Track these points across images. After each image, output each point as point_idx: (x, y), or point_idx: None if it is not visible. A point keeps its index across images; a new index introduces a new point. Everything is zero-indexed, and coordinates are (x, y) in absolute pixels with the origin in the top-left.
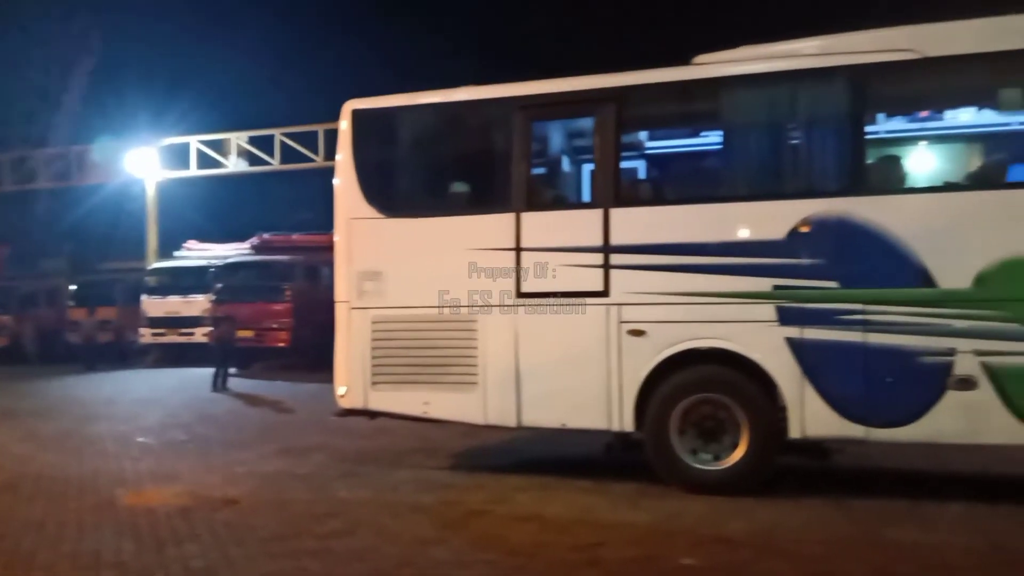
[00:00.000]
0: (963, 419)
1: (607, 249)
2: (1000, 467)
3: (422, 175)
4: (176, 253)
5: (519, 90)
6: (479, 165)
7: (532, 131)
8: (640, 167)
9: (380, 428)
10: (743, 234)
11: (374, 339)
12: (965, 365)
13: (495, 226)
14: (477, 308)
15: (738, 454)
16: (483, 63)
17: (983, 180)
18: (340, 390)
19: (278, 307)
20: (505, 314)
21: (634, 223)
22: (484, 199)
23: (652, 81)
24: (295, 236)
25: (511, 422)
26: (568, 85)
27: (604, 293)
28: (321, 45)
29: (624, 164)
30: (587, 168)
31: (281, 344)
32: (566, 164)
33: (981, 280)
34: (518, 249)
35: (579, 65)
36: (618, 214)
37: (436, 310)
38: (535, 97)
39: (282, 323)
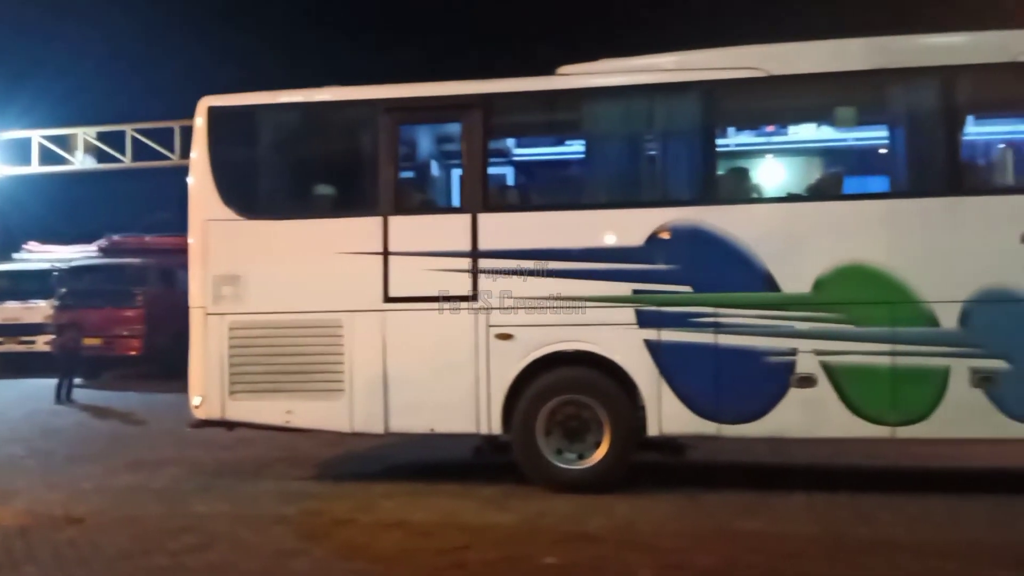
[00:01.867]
0: (805, 415)
1: (475, 254)
2: (837, 459)
3: (283, 176)
4: (15, 255)
5: (386, 92)
6: (344, 167)
7: (399, 134)
8: (508, 173)
9: (241, 439)
10: (605, 240)
11: (232, 346)
12: (806, 364)
13: (362, 229)
14: (343, 313)
15: (600, 453)
16: (355, 62)
17: (822, 192)
18: (195, 400)
19: (129, 313)
20: (372, 319)
21: (502, 228)
22: (350, 202)
23: (516, 89)
24: (148, 238)
25: (378, 429)
26: (436, 90)
27: (472, 297)
28: (179, 38)
29: (492, 170)
30: (456, 173)
31: (132, 352)
32: (434, 168)
33: (819, 285)
34: (386, 253)
35: (438, 71)
36: (486, 219)
37: (299, 315)
38: (402, 100)
39: (133, 330)
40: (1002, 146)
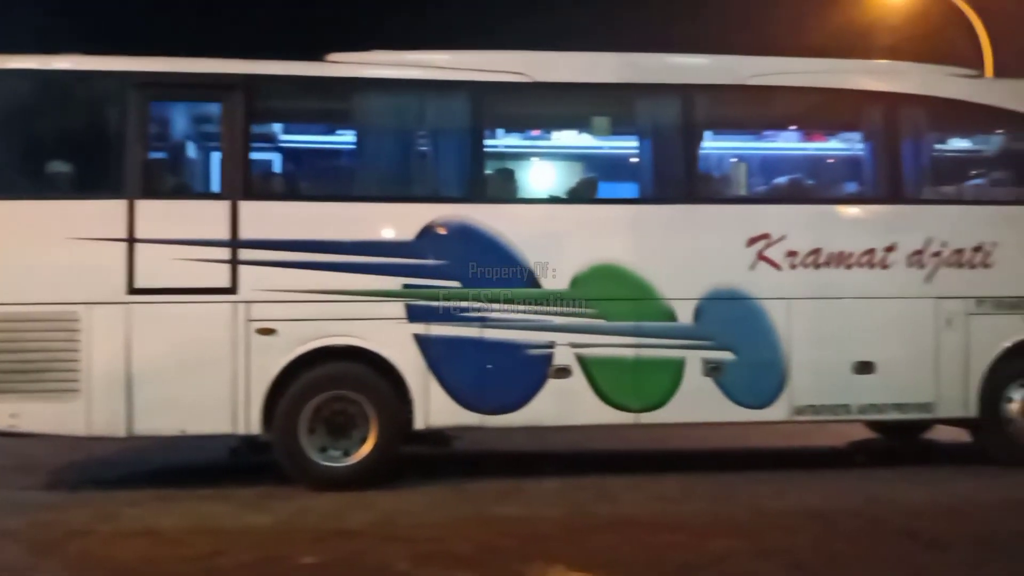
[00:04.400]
0: (560, 404)
1: (235, 244)
2: (588, 444)
3: (12, 150)
4: None
5: (137, 65)
6: (85, 144)
7: (150, 112)
8: (274, 160)
9: None
10: (375, 234)
11: None
12: (562, 356)
13: (103, 213)
14: (80, 306)
15: (366, 448)
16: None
17: (579, 195)
18: None
19: None
20: (114, 312)
21: (266, 217)
22: (91, 182)
23: (283, 73)
24: None
25: (120, 432)
26: (195, 66)
27: (231, 290)
28: None
29: (255, 155)
30: (215, 156)
31: None
32: (191, 150)
33: (576, 282)
34: (132, 240)
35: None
36: (248, 207)
37: (28, 307)
38: (156, 75)
39: None
40: (734, 160)
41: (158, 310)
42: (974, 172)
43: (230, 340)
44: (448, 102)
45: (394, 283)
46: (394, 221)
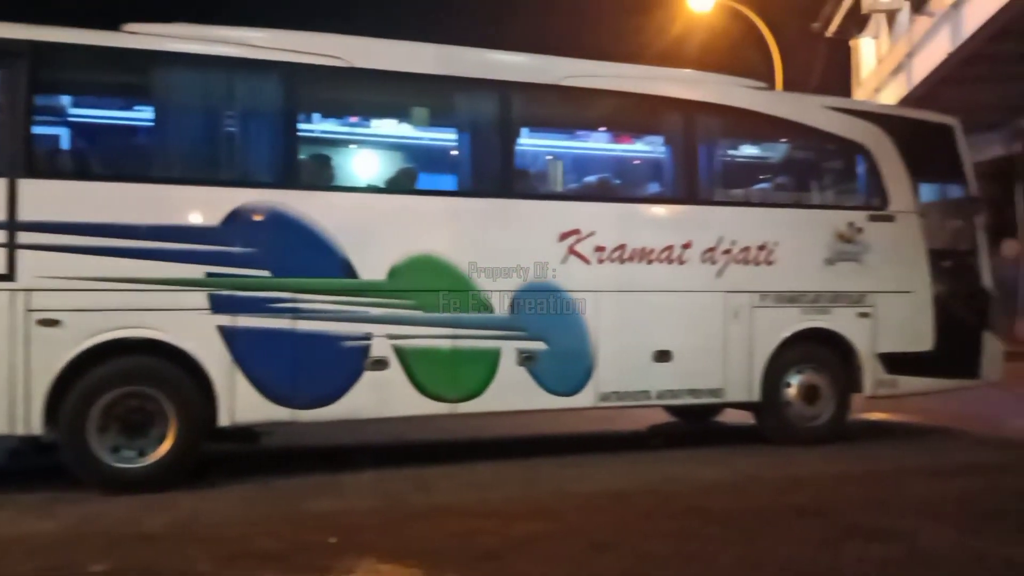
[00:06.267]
0: (377, 396)
1: (12, 225)
2: (407, 435)
3: None
4: None
5: None
6: None
7: None
8: (61, 135)
9: None
10: (176, 218)
11: None
12: (379, 348)
13: None
14: None
15: (165, 447)
16: None
17: (398, 185)
18: None
19: None
20: None
21: (51, 198)
22: None
23: (71, 41)
24: None
25: None
26: None
27: (8, 277)
28: None
29: (38, 130)
30: None
31: None
32: None
33: (393, 273)
34: None
35: None
36: (29, 186)
37: None
38: None
39: None
40: (549, 157)
41: None
42: (761, 177)
43: (6, 332)
44: (259, 82)
45: (196, 271)
46: (197, 205)
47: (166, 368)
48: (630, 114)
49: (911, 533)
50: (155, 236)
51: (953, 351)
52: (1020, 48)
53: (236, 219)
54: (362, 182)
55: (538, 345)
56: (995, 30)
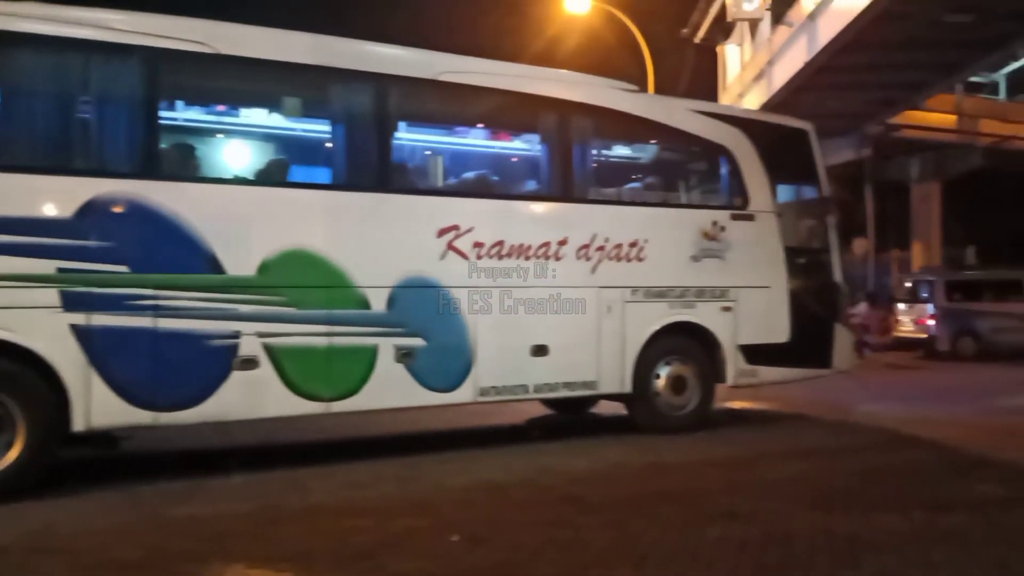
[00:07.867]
0: (247, 396)
1: None
2: (280, 436)
3: None
4: None
5: None
6: None
7: None
8: None
9: None
10: (21, 210)
11: None
12: (249, 346)
13: None
14: None
15: (13, 454)
16: None
17: (269, 177)
18: None
19: None
20: None
21: None
22: None
23: None
24: None
25: None
26: None
27: None
28: None
29: None
30: None
31: None
32: None
33: (264, 268)
34: None
35: None
36: None
37: None
38: None
39: None
40: (427, 152)
41: None
42: (633, 177)
43: None
44: (116, 67)
45: (46, 266)
46: (46, 196)
47: (12, 369)
48: (507, 112)
49: (766, 514)
50: (1, 228)
51: (808, 342)
52: (870, 59)
53: (90, 211)
54: (230, 173)
55: (416, 341)
56: (846, 41)
